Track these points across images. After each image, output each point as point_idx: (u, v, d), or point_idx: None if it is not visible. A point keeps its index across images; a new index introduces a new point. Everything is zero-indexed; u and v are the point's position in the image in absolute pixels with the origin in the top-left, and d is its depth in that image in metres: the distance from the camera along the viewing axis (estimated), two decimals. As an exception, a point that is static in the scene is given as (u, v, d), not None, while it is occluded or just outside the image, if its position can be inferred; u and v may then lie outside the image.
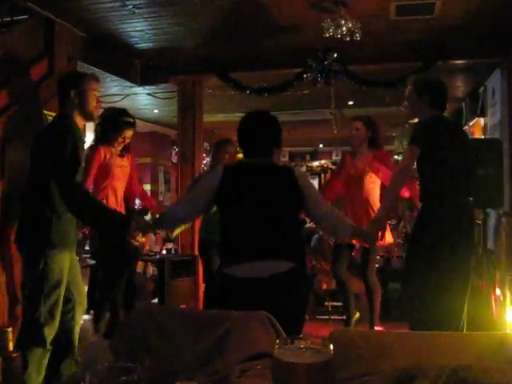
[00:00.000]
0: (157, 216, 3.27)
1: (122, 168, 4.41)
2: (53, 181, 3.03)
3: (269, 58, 5.97)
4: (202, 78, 6.52)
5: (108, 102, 6.44)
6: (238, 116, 6.29)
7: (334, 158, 14.44)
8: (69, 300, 3.23)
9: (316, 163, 15.13)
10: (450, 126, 3.45)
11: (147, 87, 6.85)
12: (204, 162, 7.33)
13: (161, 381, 1.45)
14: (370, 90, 6.15)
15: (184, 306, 5.51)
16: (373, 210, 4.53)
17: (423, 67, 5.69)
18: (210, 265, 4.62)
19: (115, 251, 4.23)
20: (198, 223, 5.15)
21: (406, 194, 4.32)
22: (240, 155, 3.41)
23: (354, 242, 4.52)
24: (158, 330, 1.72)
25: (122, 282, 4.47)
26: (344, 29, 4.55)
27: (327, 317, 5.93)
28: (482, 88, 7.09)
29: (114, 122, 4.30)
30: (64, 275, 3.14)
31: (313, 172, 14.97)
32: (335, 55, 5.70)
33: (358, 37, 4.63)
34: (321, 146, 14.92)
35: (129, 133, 4.33)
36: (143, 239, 3.26)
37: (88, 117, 3.32)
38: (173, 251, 6.79)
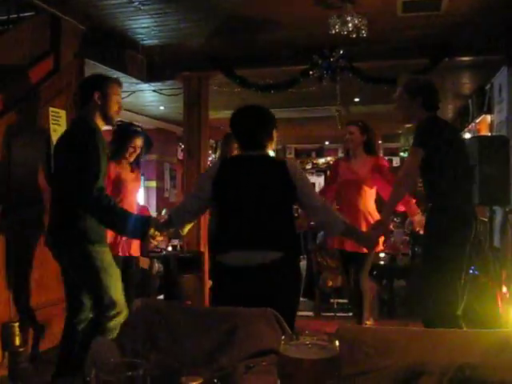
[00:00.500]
0: (166, 215, 3.31)
1: (133, 182, 4.45)
2: (75, 186, 3.04)
3: (275, 55, 5.96)
4: (207, 75, 6.52)
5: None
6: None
7: (339, 155, 14.41)
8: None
9: (322, 160, 15.13)
10: (447, 127, 3.43)
11: (153, 84, 6.86)
12: (210, 158, 7.32)
13: (166, 376, 1.46)
14: (376, 86, 6.14)
15: (190, 302, 5.53)
16: (371, 216, 4.46)
17: (430, 64, 5.67)
18: None
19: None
20: (203, 220, 5.16)
21: (401, 208, 4.30)
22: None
23: (347, 247, 4.45)
24: (163, 326, 1.72)
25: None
26: (350, 25, 4.54)
27: (333, 314, 5.93)
28: (489, 85, 7.06)
29: (123, 132, 4.34)
30: (112, 263, 3.22)
31: (318, 169, 14.98)
32: (341, 52, 5.69)
33: (364, 33, 4.61)
34: (327, 143, 14.91)
35: (138, 141, 4.35)
36: (161, 238, 3.34)
37: (108, 120, 3.31)
38: (178, 248, 6.80)
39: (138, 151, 4.40)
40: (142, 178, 10.21)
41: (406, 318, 5.11)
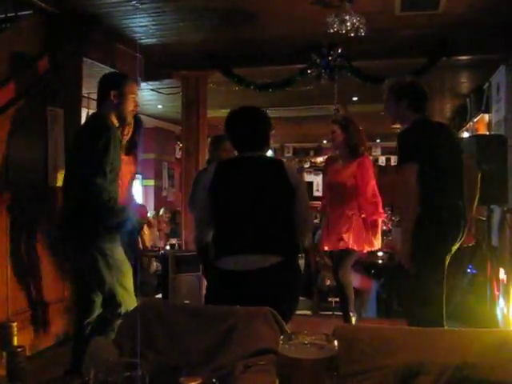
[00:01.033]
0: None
1: (126, 166, 4.37)
2: (84, 181, 3.02)
3: (273, 54, 5.95)
4: (205, 74, 6.51)
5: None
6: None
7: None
8: None
9: (320, 159, 15.10)
10: (435, 129, 3.36)
11: (151, 83, 6.85)
12: (207, 157, 7.32)
13: (165, 376, 1.46)
14: (374, 85, 6.13)
15: (188, 301, 5.52)
16: (361, 218, 4.45)
17: (428, 63, 5.67)
18: None
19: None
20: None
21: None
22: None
23: (327, 247, 4.52)
24: (162, 325, 1.72)
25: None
26: (348, 24, 4.53)
27: (331, 312, 5.93)
28: (487, 84, 7.06)
29: None
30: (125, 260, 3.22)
31: (317, 168, 14.97)
32: (339, 51, 5.68)
33: (362, 32, 4.61)
34: (325, 141, 14.88)
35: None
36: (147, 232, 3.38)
37: (122, 120, 3.31)
38: (176, 247, 6.80)
39: (129, 130, 4.31)
40: (140, 176, 10.23)
41: (404, 317, 5.11)
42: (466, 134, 8.29)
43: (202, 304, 5.39)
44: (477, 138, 5.38)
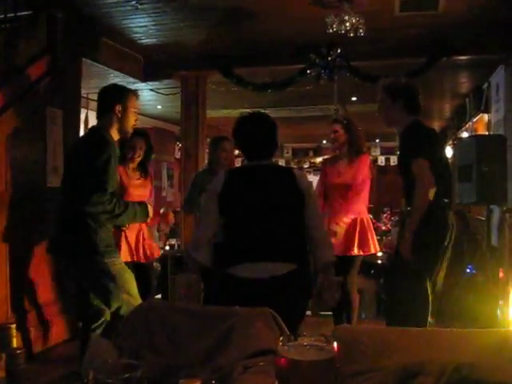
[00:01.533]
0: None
1: (140, 188, 4.31)
2: (83, 196, 3.01)
3: (272, 54, 5.96)
4: (205, 74, 6.52)
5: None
6: (241, 112, 6.29)
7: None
8: None
9: (319, 159, 15.09)
10: (430, 131, 3.40)
11: (150, 83, 6.85)
12: (207, 157, 7.32)
13: (164, 377, 1.46)
14: (374, 85, 6.12)
15: (187, 301, 5.51)
16: (360, 222, 4.36)
17: (427, 63, 5.67)
18: None
19: None
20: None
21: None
22: (237, 150, 3.38)
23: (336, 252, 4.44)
24: (161, 326, 1.72)
25: None
26: (348, 24, 4.53)
27: (331, 313, 5.92)
28: (486, 84, 7.06)
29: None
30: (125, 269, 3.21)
31: (316, 168, 14.96)
32: (339, 51, 5.68)
33: (361, 32, 4.61)
34: (324, 142, 14.88)
35: (140, 142, 4.21)
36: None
37: (124, 133, 3.28)
38: (176, 247, 6.80)
39: (140, 153, 4.26)
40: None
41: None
42: (465, 134, 8.29)
43: (201, 304, 5.39)
44: (476, 138, 5.37)
